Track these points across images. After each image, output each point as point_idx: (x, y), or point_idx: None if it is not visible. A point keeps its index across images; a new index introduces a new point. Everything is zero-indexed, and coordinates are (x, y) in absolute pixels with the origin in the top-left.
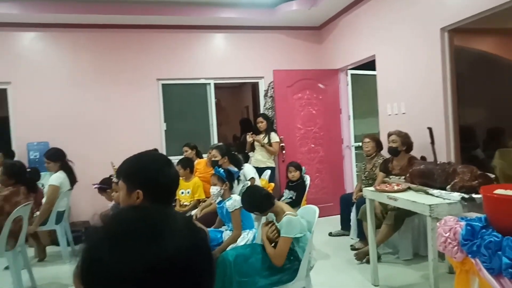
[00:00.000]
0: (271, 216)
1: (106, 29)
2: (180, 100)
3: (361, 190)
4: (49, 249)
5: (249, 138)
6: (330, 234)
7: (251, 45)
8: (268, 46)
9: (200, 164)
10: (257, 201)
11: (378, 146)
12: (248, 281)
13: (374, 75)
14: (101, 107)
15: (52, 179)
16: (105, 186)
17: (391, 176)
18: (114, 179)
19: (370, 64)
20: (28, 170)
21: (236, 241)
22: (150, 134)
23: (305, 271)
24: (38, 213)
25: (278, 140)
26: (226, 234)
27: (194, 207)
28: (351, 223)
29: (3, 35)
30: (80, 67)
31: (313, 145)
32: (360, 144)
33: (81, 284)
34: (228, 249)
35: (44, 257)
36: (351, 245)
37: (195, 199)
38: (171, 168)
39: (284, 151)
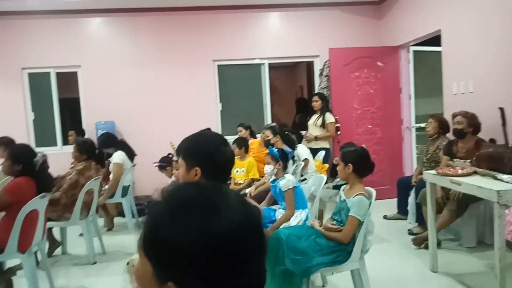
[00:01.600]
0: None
1: (165, 12)
2: (235, 81)
3: (421, 173)
4: (116, 220)
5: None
6: (385, 217)
7: (306, 24)
8: (324, 24)
9: (254, 144)
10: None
11: (442, 127)
12: (302, 259)
13: (439, 52)
14: (161, 88)
15: (115, 158)
16: (164, 164)
17: (455, 160)
18: (174, 157)
19: (434, 40)
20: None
21: (289, 220)
22: (206, 114)
23: (359, 253)
24: (106, 187)
25: (333, 120)
26: (279, 212)
27: (248, 185)
28: (408, 207)
29: (73, 22)
30: (141, 50)
31: (370, 126)
32: (422, 125)
33: (143, 253)
34: (280, 227)
35: (112, 227)
36: (409, 230)
37: (249, 177)
38: (227, 147)
39: (339, 132)
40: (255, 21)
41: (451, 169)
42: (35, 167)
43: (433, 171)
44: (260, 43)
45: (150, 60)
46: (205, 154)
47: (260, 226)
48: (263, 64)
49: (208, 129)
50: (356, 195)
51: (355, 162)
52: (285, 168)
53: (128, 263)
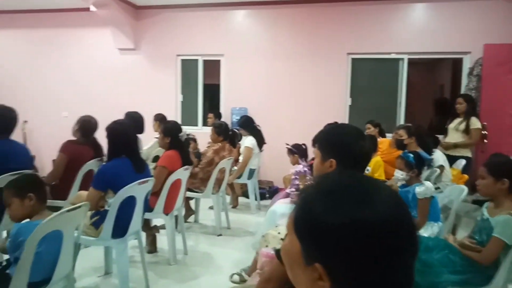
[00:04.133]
0: None
1: (303, 5)
2: (368, 75)
3: None
4: (241, 199)
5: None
6: None
7: (457, 16)
8: (480, 16)
9: (384, 143)
10: None
11: None
12: (430, 271)
13: None
14: (293, 80)
15: (247, 142)
16: (294, 150)
17: None
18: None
19: None
20: (231, 131)
21: (419, 230)
22: (334, 107)
23: (502, 281)
24: (235, 168)
25: (480, 126)
26: None
27: None
28: None
29: (221, 14)
30: (279, 41)
31: None
32: None
33: (293, 230)
34: None
35: (236, 205)
36: None
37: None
38: (365, 142)
39: (485, 141)
40: (397, 13)
41: None
42: (180, 142)
43: None
44: (399, 37)
45: (286, 52)
46: (342, 146)
47: (413, 226)
48: (402, 59)
49: (335, 123)
50: (504, 214)
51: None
52: (419, 174)
53: (263, 236)
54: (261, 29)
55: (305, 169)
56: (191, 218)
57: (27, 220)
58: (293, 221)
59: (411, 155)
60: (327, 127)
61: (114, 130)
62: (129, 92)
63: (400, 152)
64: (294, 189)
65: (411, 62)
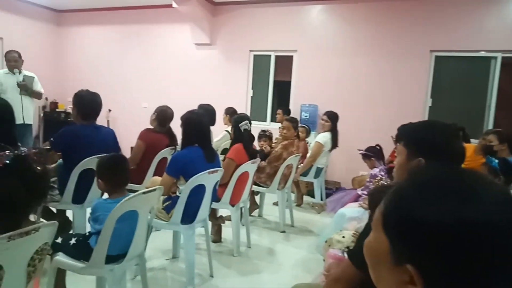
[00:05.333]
0: None
1: (380, 0)
2: (452, 75)
3: None
4: (305, 198)
5: None
6: None
7: None
8: None
9: (468, 149)
10: None
11: None
12: None
13: None
14: (368, 77)
15: (319, 137)
16: (370, 154)
17: None
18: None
19: None
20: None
21: None
22: (412, 108)
23: None
24: (302, 165)
25: None
26: None
27: None
28: None
29: (295, 9)
30: (354, 37)
31: None
32: None
33: (381, 226)
34: None
35: (301, 203)
36: None
37: None
38: (458, 142)
39: None
40: (488, 5)
41: None
42: (242, 135)
43: None
44: (491, 33)
45: (363, 48)
46: (434, 144)
47: None
48: (495, 58)
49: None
50: None
51: None
52: (507, 183)
53: (326, 241)
54: (336, 25)
55: (381, 172)
56: (255, 212)
57: (105, 197)
58: (383, 216)
59: (496, 160)
60: (416, 123)
61: (189, 119)
62: (202, 85)
63: None
64: (366, 192)
65: (506, 63)
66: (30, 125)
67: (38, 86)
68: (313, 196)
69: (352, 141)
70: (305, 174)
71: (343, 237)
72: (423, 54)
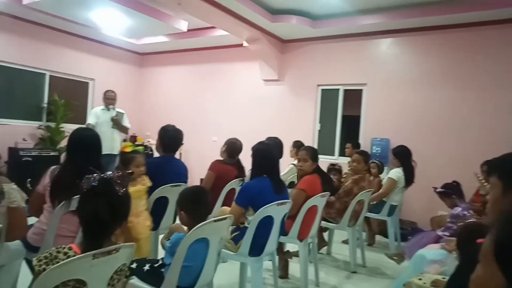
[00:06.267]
0: None
1: (456, 29)
2: None
3: None
4: (378, 238)
5: None
6: None
7: None
8: None
9: None
10: None
11: None
12: None
13: None
14: (446, 109)
15: (392, 173)
16: (449, 191)
17: None
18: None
19: None
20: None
21: None
22: (500, 141)
23: None
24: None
25: None
26: None
27: None
28: None
29: (365, 43)
30: (428, 69)
31: None
32: None
33: (493, 259)
34: None
35: (373, 243)
36: None
37: None
38: None
39: None
40: None
41: None
42: (319, 167)
43: None
44: None
45: (437, 80)
46: None
47: None
48: None
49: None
50: None
51: None
52: None
53: (404, 285)
54: (407, 57)
55: (464, 212)
56: (324, 250)
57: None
58: (495, 248)
59: None
60: (510, 154)
61: (259, 150)
62: (271, 119)
63: None
64: (448, 234)
65: None
66: (116, 155)
67: (126, 122)
68: (386, 236)
69: (428, 178)
70: (377, 211)
71: (424, 283)
72: (498, 86)
